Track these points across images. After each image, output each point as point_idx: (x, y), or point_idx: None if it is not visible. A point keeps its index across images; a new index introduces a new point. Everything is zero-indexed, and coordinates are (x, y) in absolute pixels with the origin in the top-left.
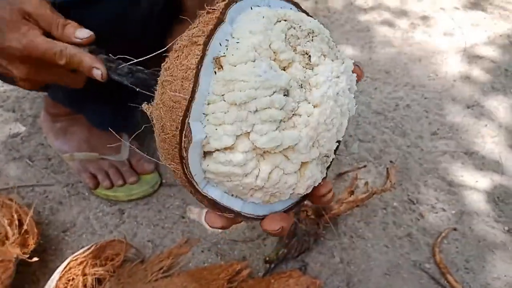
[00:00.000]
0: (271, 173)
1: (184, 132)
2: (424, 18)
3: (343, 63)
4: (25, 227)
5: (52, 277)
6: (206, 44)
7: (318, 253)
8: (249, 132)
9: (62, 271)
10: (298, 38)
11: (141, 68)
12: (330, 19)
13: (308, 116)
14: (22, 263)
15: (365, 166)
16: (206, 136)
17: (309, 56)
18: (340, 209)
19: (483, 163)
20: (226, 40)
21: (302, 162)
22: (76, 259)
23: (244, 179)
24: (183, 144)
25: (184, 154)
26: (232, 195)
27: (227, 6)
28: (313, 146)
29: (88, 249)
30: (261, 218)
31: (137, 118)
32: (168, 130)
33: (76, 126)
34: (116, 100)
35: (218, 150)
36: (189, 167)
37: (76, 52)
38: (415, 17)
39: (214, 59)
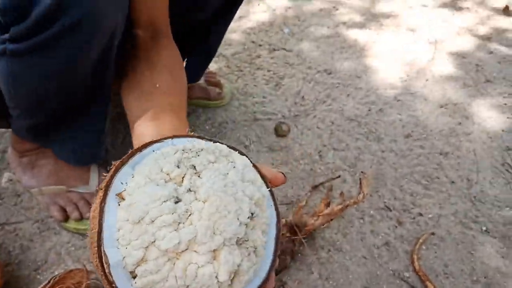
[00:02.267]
0: (186, 270)
1: (103, 259)
2: (393, 18)
3: (234, 166)
4: None
5: None
6: (107, 186)
7: (297, 270)
8: (153, 242)
9: None
10: (189, 158)
11: None
12: (300, 27)
13: (200, 212)
14: None
15: (339, 177)
16: (123, 258)
17: (194, 166)
18: (315, 224)
19: (459, 163)
20: (127, 178)
21: (212, 251)
22: None
23: (166, 283)
24: (106, 270)
25: (111, 279)
26: None
27: (129, 156)
28: (214, 234)
29: (47, 283)
30: None
31: (104, 148)
32: (94, 262)
33: (43, 159)
34: (82, 132)
35: (136, 266)
36: None
37: None
38: (384, 18)
39: (116, 195)
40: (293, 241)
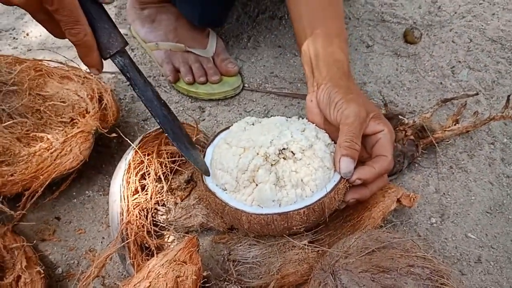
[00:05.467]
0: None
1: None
2: None
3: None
4: (104, 102)
5: (128, 150)
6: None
7: (411, 178)
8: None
9: (138, 145)
10: None
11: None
12: None
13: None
14: (102, 144)
15: (477, 94)
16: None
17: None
18: (444, 134)
19: None
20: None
21: (242, 148)
22: (149, 136)
23: (224, 161)
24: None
25: (205, 185)
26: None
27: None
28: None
29: (156, 130)
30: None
31: (227, 16)
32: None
33: (164, 14)
34: None
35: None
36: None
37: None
38: None
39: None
40: (417, 146)
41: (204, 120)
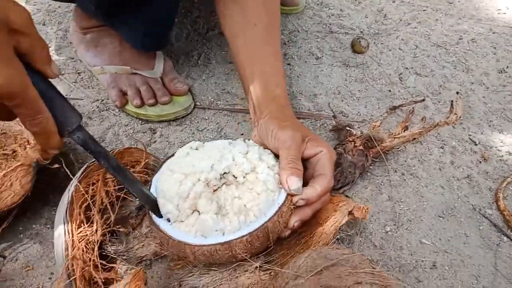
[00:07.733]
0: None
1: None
2: None
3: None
4: None
5: (71, 182)
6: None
7: (364, 188)
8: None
9: (81, 175)
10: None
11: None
12: None
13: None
14: (48, 174)
15: (423, 100)
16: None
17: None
18: (392, 143)
19: None
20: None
21: (184, 175)
22: (93, 164)
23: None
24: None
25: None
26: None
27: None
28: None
29: None
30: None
31: (171, 37)
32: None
33: (107, 37)
34: (151, 17)
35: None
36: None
37: (52, 127)
38: None
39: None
40: (366, 156)
41: (155, 142)
